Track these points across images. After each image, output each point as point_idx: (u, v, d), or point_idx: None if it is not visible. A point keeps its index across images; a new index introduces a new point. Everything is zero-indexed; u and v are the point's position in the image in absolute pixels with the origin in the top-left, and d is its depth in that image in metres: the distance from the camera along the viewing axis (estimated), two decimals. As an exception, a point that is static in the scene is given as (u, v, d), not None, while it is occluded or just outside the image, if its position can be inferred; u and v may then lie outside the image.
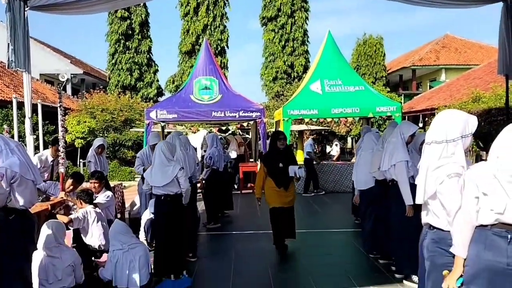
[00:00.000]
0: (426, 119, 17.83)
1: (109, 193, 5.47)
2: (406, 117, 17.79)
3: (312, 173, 11.51)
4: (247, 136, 18.61)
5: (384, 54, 25.45)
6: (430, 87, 25.43)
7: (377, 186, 5.26)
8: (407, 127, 4.65)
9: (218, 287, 4.68)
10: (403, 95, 24.63)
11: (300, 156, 14.03)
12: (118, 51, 24.80)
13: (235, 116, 11.33)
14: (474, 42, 27.65)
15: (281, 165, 5.71)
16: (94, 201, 5.03)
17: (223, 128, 16.42)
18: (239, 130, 18.52)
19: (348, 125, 18.70)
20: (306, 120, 13.98)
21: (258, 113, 11.34)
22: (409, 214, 4.38)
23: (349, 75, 12.04)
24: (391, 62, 30.10)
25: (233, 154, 12.89)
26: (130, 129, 17.52)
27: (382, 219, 5.15)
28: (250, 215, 8.79)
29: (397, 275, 4.76)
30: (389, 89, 23.12)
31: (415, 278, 4.50)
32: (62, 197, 5.19)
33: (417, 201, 2.78)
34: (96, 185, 5.35)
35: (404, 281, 4.61)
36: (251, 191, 11.93)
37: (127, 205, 7.88)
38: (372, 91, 12.10)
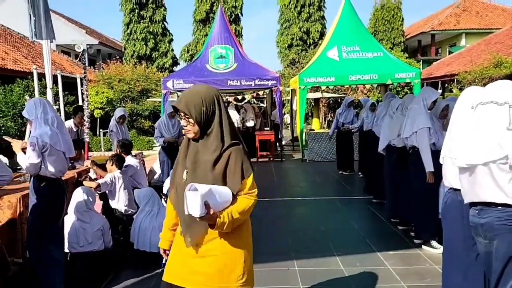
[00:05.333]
0: (446, 85, 17.50)
1: (133, 161, 5.56)
2: (425, 83, 17.50)
3: None
4: (261, 105, 18.59)
5: (403, 19, 24.80)
6: (450, 52, 24.80)
7: (397, 153, 5.27)
8: (430, 93, 4.62)
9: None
10: (421, 61, 24.12)
11: (316, 125, 14.03)
12: (133, 20, 24.63)
13: (251, 84, 11.32)
14: (497, 5, 26.70)
15: (185, 175, 2.19)
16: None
17: (239, 97, 16.40)
18: (254, 99, 18.47)
19: (365, 92, 18.47)
20: (322, 88, 13.86)
21: (274, 81, 11.30)
22: (429, 180, 4.40)
23: (367, 41, 11.83)
24: (409, 27, 29.33)
25: (251, 123, 12.96)
26: (147, 99, 17.64)
27: (401, 185, 5.19)
28: (266, 183, 8.91)
29: (416, 241, 4.83)
30: (407, 55, 22.63)
31: (434, 243, 4.58)
32: (87, 166, 5.34)
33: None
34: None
35: (423, 246, 4.67)
36: (267, 159, 12.04)
37: (146, 173, 8.05)
38: (391, 57, 11.90)
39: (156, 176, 7.33)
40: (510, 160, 2.14)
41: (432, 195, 4.31)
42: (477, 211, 2.37)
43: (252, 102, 18.23)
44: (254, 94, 17.31)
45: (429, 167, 4.37)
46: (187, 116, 2.13)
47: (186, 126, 2.16)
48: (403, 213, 5.28)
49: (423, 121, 4.46)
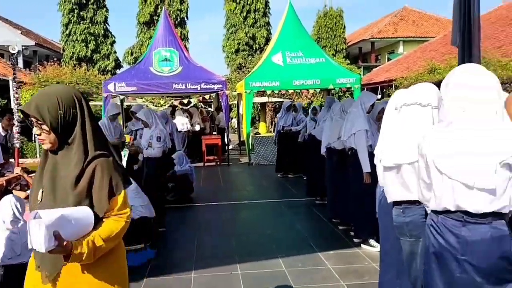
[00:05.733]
0: (384, 90, 18.28)
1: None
2: (365, 88, 18.15)
3: None
4: (209, 109, 18.50)
5: (344, 27, 25.60)
6: (389, 59, 25.93)
7: (337, 155, 5.41)
8: (368, 97, 4.79)
9: (182, 258, 4.73)
10: (362, 67, 25.02)
11: (262, 128, 14.15)
12: (72, 21, 23.64)
13: (197, 88, 11.22)
14: (431, 15, 28.26)
15: (40, 196, 1.78)
16: None
17: (185, 101, 16.21)
18: (201, 103, 18.34)
19: (309, 97, 18.89)
20: (268, 92, 14.02)
21: (220, 85, 11.27)
22: (367, 181, 4.55)
23: (310, 47, 12.12)
24: (351, 34, 30.34)
25: (197, 127, 12.86)
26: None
27: (341, 187, 5.33)
28: (213, 187, 8.85)
29: (355, 240, 4.98)
30: (349, 62, 23.42)
31: (372, 242, 4.73)
32: (17, 173, 5.01)
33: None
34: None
35: (362, 245, 4.82)
36: (214, 163, 11.97)
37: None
38: (333, 63, 12.26)
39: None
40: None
41: (369, 195, 4.44)
42: (401, 210, 2.46)
43: (200, 106, 18.10)
44: (201, 98, 17.19)
45: (366, 167, 4.52)
46: (39, 123, 1.72)
47: (40, 135, 1.74)
48: (343, 214, 5.43)
49: (361, 124, 4.61)
